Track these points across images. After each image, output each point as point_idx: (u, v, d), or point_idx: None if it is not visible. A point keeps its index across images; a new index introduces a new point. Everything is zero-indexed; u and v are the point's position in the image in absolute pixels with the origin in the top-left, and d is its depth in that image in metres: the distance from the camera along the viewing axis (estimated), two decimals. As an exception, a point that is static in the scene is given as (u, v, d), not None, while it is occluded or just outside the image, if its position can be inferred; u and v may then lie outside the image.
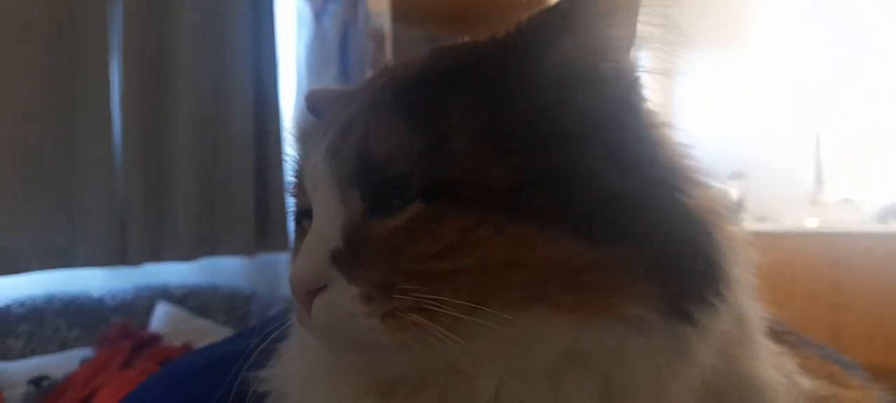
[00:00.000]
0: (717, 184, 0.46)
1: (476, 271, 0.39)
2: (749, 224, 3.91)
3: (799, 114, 4.20)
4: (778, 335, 0.50)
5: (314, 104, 0.60)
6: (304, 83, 2.97)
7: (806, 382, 0.48)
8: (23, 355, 2.24)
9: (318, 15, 2.97)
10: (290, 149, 0.56)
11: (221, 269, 2.90)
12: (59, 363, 2.18)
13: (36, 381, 2.07)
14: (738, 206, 3.98)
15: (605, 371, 0.40)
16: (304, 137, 0.54)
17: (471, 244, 0.39)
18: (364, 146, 0.42)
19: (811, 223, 3.96)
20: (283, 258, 3.05)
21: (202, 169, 2.73)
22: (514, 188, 0.40)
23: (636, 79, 0.44)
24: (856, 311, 3.37)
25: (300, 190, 0.50)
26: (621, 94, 0.43)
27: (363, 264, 0.41)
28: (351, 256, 0.42)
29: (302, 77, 2.99)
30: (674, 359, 0.40)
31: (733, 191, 3.96)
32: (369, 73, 3.08)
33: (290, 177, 0.54)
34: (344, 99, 0.51)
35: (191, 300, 2.66)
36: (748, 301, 0.46)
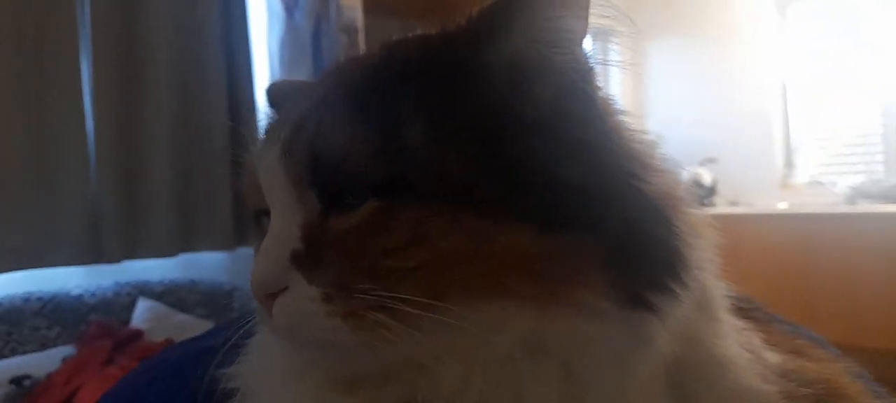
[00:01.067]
0: (674, 169, 0.46)
1: (433, 265, 0.39)
2: (722, 208, 3.96)
3: (766, 96, 4.26)
4: (743, 311, 0.50)
5: (274, 97, 0.59)
6: (278, 76, 2.96)
7: (772, 356, 0.48)
8: (2, 355, 2.23)
9: (290, 9, 2.96)
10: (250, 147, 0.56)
11: (202, 265, 2.89)
12: (41, 362, 2.17)
13: (17, 380, 2.06)
14: (711, 191, 4.05)
15: (566, 360, 0.40)
16: (259, 132, 0.54)
17: (427, 238, 0.39)
18: (316, 145, 0.42)
19: (782, 205, 4.02)
20: (263, 252, 3.04)
21: (177, 165, 2.72)
22: (469, 180, 0.40)
23: (589, 69, 0.44)
24: (827, 292, 3.43)
25: (255, 189, 0.49)
26: (575, 84, 0.43)
27: (322, 264, 0.41)
28: (310, 256, 0.42)
29: (275, 72, 2.98)
30: (634, 347, 0.40)
31: (706, 176, 4.02)
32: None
33: (240, 174, 0.53)
34: (299, 94, 0.51)
35: (171, 296, 2.65)
36: (712, 279, 0.46)
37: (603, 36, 0.45)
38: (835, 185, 4.01)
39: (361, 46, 3.20)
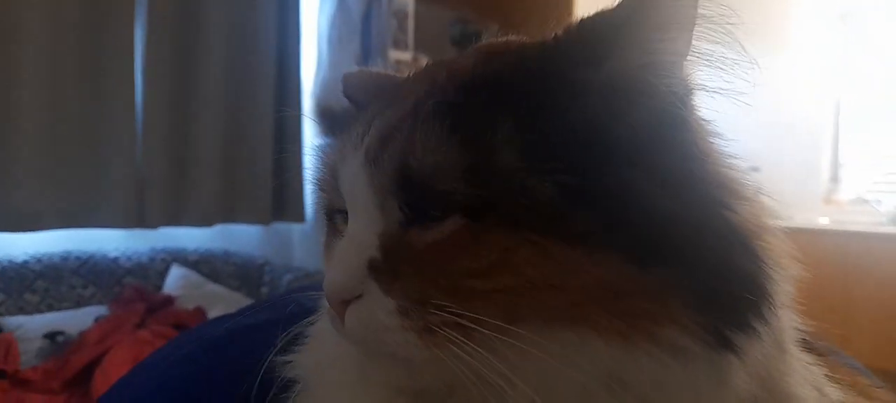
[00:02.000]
0: (762, 197, 0.45)
1: (516, 290, 0.38)
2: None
3: (817, 110, 4.15)
4: (807, 344, 0.49)
5: (351, 89, 0.57)
6: (326, 57, 2.98)
7: (835, 394, 0.47)
8: (39, 310, 2.29)
9: (343, -11, 2.97)
10: (310, 132, 0.54)
11: (236, 236, 2.93)
12: (74, 319, 2.23)
13: (51, 336, 2.12)
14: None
15: (644, 397, 0.39)
16: (328, 120, 0.53)
17: (513, 264, 0.38)
18: (405, 157, 0.41)
19: (824, 221, 3.93)
20: (297, 228, 3.08)
21: (222, 137, 2.76)
22: (561, 207, 0.38)
23: (689, 93, 0.42)
24: (865, 313, 3.35)
25: (332, 187, 0.48)
26: (673, 110, 0.41)
27: (400, 276, 0.41)
28: (387, 267, 0.41)
29: (323, 51, 2.99)
30: (715, 389, 0.39)
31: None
32: (390, 52, 3.08)
33: (315, 167, 0.52)
34: (383, 92, 0.49)
35: (205, 265, 2.70)
36: (786, 313, 0.45)
37: (704, 58, 0.41)
38: (880, 204, 3.91)
39: (410, 32, 3.20)
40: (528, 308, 0.39)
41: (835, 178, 4.17)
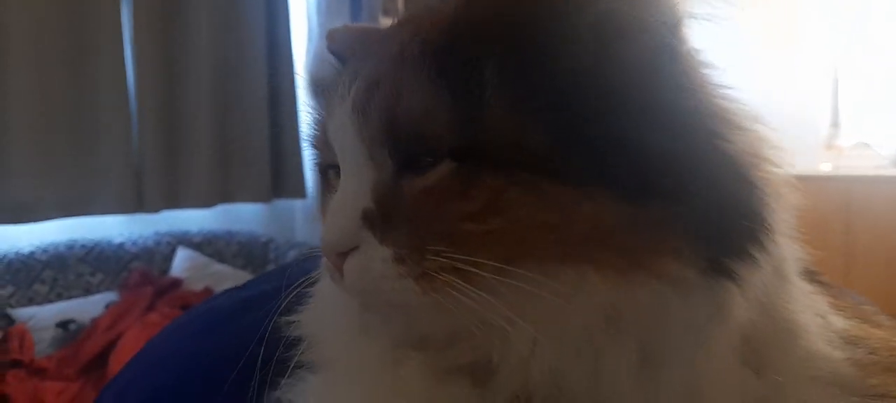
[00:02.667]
0: (756, 126, 0.43)
1: (511, 232, 0.38)
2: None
3: (815, 56, 4.13)
4: (811, 274, 0.48)
5: (335, 44, 0.56)
6: (316, 30, 2.96)
7: (839, 321, 0.46)
8: (48, 300, 2.31)
9: (330, -39, 2.94)
10: (306, 99, 0.54)
11: (239, 215, 2.94)
12: (85, 307, 2.25)
13: (63, 324, 2.14)
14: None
15: (644, 330, 0.39)
16: (325, 85, 0.52)
17: (506, 205, 0.38)
18: (392, 104, 0.41)
19: (826, 167, 3.92)
20: (299, 204, 3.08)
21: (217, 117, 2.75)
22: (552, 147, 0.38)
23: (678, 23, 0.41)
24: (868, 256, 3.36)
25: (323, 143, 0.47)
26: (663, 42, 0.40)
27: (394, 224, 0.40)
28: (382, 216, 0.41)
29: (313, 24, 2.97)
30: (714, 317, 0.39)
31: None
32: (381, 19, 3.03)
33: (309, 127, 0.52)
34: (367, 44, 0.49)
35: (209, 246, 2.71)
36: (786, 242, 0.44)
37: None
38: (882, 147, 3.90)
39: (400, 1, 3.17)
40: (525, 248, 0.38)
41: (835, 124, 4.16)
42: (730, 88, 0.43)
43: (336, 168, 0.46)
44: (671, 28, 0.41)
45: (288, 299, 0.51)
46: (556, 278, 0.38)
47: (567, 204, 0.38)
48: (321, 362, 0.49)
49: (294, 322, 0.51)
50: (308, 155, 0.53)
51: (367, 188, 0.42)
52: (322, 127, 0.48)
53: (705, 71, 0.43)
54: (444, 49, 0.41)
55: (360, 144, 0.42)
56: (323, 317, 0.51)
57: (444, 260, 0.39)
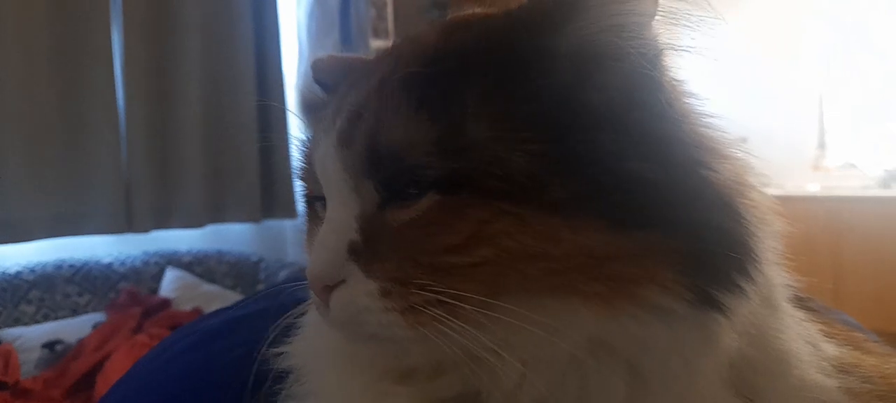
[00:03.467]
0: (741, 153, 0.44)
1: (496, 263, 0.38)
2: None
3: (802, 77, 4.17)
4: (801, 301, 0.49)
5: (320, 74, 0.57)
6: (306, 49, 2.97)
7: (831, 349, 0.47)
8: (35, 320, 2.28)
9: (320, -20, 2.95)
10: (295, 126, 0.54)
11: (229, 236, 2.92)
12: (72, 327, 2.22)
13: (50, 345, 2.11)
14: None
15: (632, 361, 0.39)
16: (311, 112, 0.52)
17: (490, 236, 0.38)
18: (375, 136, 0.41)
19: (813, 188, 3.95)
20: (289, 224, 3.07)
21: (207, 136, 2.75)
22: (535, 176, 0.38)
23: (658, 54, 0.41)
24: (856, 276, 3.38)
25: (310, 175, 0.48)
26: (643, 72, 0.40)
27: (380, 257, 0.40)
28: (367, 249, 0.41)
29: (303, 44, 2.98)
30: (702, 348, 0.39)
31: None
32: (370, 41, 3.05)
33: (296, 157, 0.52)
34: (351, 74, 0.49)
35: (199, 266, 2.69)
36: (774, 270, 0.45)
37: (671, 16, 0.41)
38: (869, 168, 3.93)
39: (390, 20, 3.19)
40: (510, 280, 0.38)
41: (822, 144, 4.20)
42: (713, 117, 0.43)
43: (323, 200, 0.46)
44: (651, 59, 0.41)
45: (276, 331, 0.50)
46: (542, 310, 0.38)
47: (551, 234, 0.38)
48: (308, 394, 0.49)
49: (282, 353, 0.51)
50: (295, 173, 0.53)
51: (353, 220, 0.42)
52: (309, 158, 0.48)
53: (688, 100, 0.43)
54: (426, 79, 0.41)
55: (345, 176, 0.42)
56: (311, 349, 0.51)
57: (430, 294, 0.39)
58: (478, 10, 0.48)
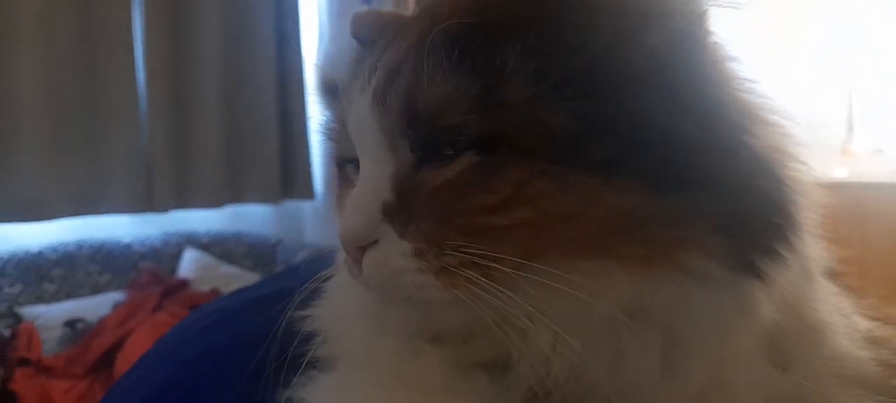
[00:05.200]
0: (782, 121, 0.43)
1: (533, 224, 0.37)
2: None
3: (830, 62, 4.10)
4: (835, 274, 0.48)
5: (359, 28, 0.55)
6: (327, 30, 2.95)
7: (863, 322, 0.46)
8: (57, 298, 2.31)
9: (341, -43, 2.94)
10: (317, 99, 0.53)
11: (247, 216, 2.93)
12: (93, 306, 2.25)
13: (71, 323, 2.13)
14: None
15: (668, 326, 0.38)
16: (329, 94, 0.51)
17: (528, 197, 0.37)
18: (412, 94, 0.40)
19: (840, 173, 3.90)
20: (308, 205, 3.07)
21: (226, 117, 2.75)
22: (575, 136, 0.37)
23: (703, 13, 0.40)
24: (883, 263, 3.33)
25: (342, 136, 0.46)
26: (687, 30, 0.39)
27: (414, 218, 0.40)
28: (401, 209, 0.40)
29: (324, 24, 2.97)
30: (740, 314, 0.38)
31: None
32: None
33: (325, 120, 0.51)
34: (390, 31, 0.48)
35: (217, 247, 2.71)
36: (812, 241, 0.44)
37: None
38: (896, 154, 3.86)
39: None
40: (547, 241, 0.37)
41: (850, 129, 4.13)
42: (754, 82, 0.42)
43: (354, 162, 0.45)
44: (696, 17, 0.40)
45: (302, 297, 0.49)
46: (578, 272, 0.37)
47: (590, 194, 0.37)
48: (336, 356, 0.48)
49: (308, 317, 0.50)
50: (318, 155, 0.51)
51: (387, 180, 0.41)
52: (340, 119, 0.47)
53: (730, 64, 0.42)
54: (465, 35, 0.40)
55: (380, 136, 0.41)
56: (338, 311, 0.49)
57: (464, 254, 0.38)
58: None
